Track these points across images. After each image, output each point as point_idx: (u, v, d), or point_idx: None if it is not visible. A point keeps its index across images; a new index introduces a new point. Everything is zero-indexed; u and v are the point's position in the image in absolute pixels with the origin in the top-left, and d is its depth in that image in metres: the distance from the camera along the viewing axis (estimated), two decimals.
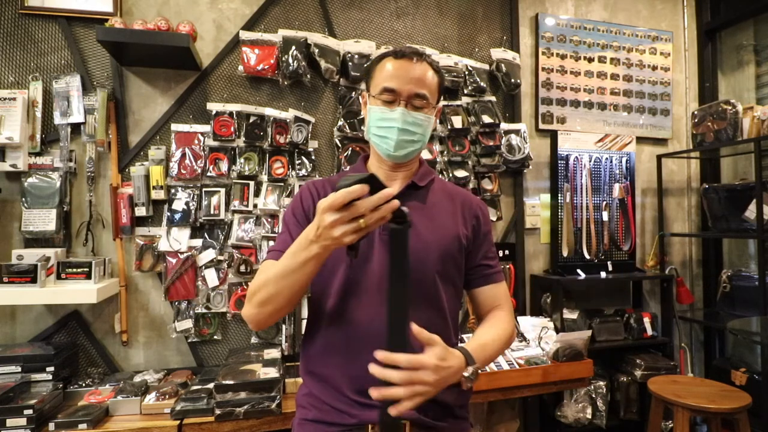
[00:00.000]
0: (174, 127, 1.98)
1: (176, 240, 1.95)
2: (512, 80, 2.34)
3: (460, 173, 2.25)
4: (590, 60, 2.64)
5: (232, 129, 1.99)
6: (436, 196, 1.11)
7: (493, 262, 1.13)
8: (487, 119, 2.27)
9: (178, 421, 1.55)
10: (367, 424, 0.95)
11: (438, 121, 1.21)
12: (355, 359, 0.97)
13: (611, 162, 2.59)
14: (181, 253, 1.95)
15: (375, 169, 1.11)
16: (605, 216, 2.55)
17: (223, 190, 2.01)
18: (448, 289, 1.05)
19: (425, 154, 2.20)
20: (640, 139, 2.72)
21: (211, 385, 1.65)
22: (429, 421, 0.98)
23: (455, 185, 1.21)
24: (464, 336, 1.96)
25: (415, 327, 0.83)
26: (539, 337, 2.11)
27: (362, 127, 1.94)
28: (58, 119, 1.86)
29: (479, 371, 0.95)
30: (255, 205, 2.03)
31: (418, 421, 0.97)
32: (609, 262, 2.54)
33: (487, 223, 1.15)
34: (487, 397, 1.86)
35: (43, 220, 1.81)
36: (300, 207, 1.07)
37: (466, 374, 0.92)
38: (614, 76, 2.68)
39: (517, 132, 2.36)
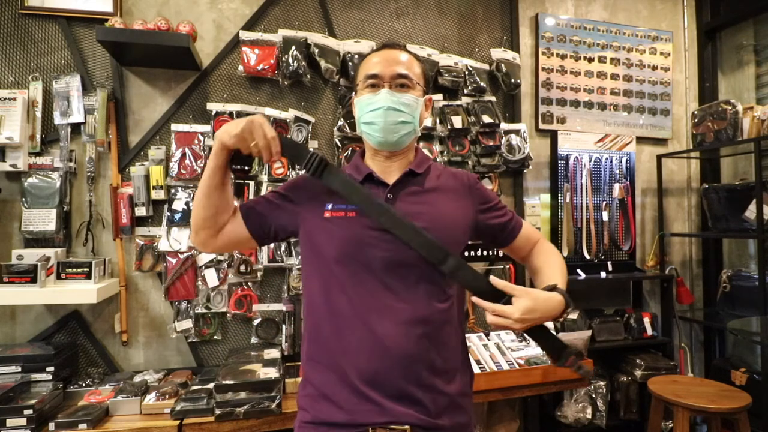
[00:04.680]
0: (174, 127, 1.98)
1: (176, 240, 1.95)
2: (512, 80, 2.34)
3: (459, 170, 2.25)
4: (590, 60, 2.64)
5: None
6: (435, 182, 1.11)
7: (508, 218, 1.19)
8: (487, 119, 2.27)
9: (178, 421, 1.55)
10: (366, 426, 0.94)
11: (430, 112, 1.22)
12: (356, 357, 0.96)
13: (611, 162, 2.59)
14: (181, 253, 1.95)
15: (371, 163, 1.11)
16: (605, 216, 2.55)
17: None
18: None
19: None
20: (640, 139, 2.72)
21: (211, 385, 1.65)
22: (428, 421, 0.96)
23: (451, 168, 1.22)
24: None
25: (492, 278, 0.96)
26: None
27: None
28: (58, 119, 1.85)
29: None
30: None
31: (418, 423, 0.95)
32: (609, 262, 2.54)
33: (487, 192, 1.19)
34: (487, 397, 1.86)
35: (43, 220, 1.81)
36: (289, 188, 1.12)
37: (566, 315, 1.02)
38: (614, 76, 2.68)
39: (517, 132, 2.36)
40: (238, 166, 1.01)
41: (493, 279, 0.96)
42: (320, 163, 1.01)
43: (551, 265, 1.15)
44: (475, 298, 0.95)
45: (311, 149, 1.05)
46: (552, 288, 1.01)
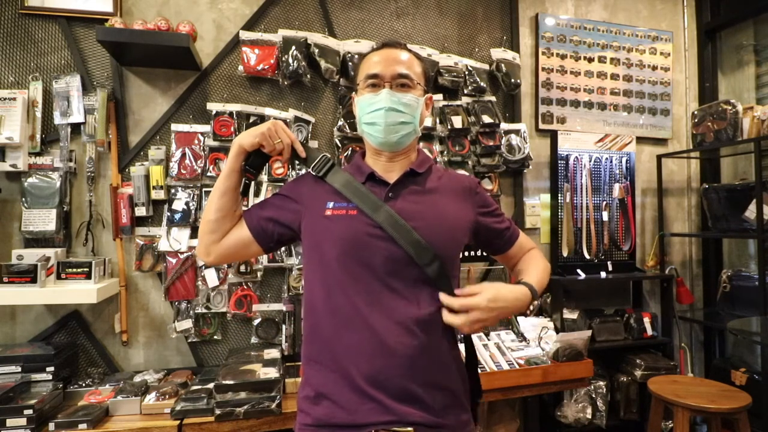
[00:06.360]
0: (174, 127, 1.98)
1: (176, 240, 1.95)
2: (512, 80, 2.34)
3: (460, 173, 2.25)
4: (590, 60, 2.64)
5: (232, 129, 1.99)
6: (436, 182, 1.12)
7: (506, 225, 1.21)
8: (487, 119, 2.27)
9: (178, 421, 1.55)
10: (369, 427, 0.94)
11: (431, 111, 1.23)
12: (358, 356, 0.96)
13: (611, 162, 2.59)
14: (181, 253, 1.95)
15: (372, 163, 1.11)
16: (605, 216, 2.55)
17: None
18: (450, 273, 1.04)
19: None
20: (640, 139, 2.72)
21: (211, 385, 1.65)
22: (432, 419, 0.96)
23: (452, 170, 1.23)
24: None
25: (457, 291, 1.01)
26: (539, 337, 2.11)
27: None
28: (58, 119, 1.85)
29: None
30: None
31: (421, 421, 0.95)
32: (609, 262, 2.54)
33: (487, 198, 1.20)
34: (487, 397, 1.86)
35: (43, 220, 1.81)
36: (290, 188, 1.15)
37: (534, 307, 1.06)
38: (614, 76, 2.68)
39: (517, 132, 2.36)
40: (251, 168, 1.10)
41: (458, 291, 1.02)
42: (326, 162, 1.08)
43: (531, 269, 1.18)
44: (441, 295, 0.99)
45: (323, 153, 1.12)
46: (518, 282, 1.07)
